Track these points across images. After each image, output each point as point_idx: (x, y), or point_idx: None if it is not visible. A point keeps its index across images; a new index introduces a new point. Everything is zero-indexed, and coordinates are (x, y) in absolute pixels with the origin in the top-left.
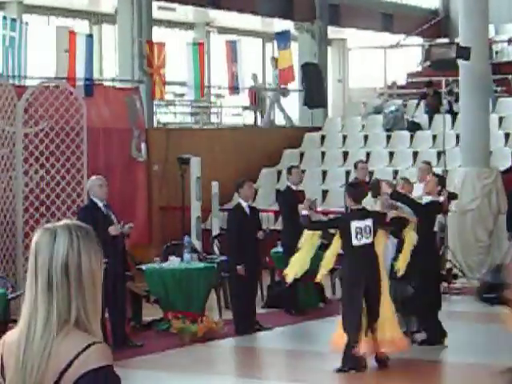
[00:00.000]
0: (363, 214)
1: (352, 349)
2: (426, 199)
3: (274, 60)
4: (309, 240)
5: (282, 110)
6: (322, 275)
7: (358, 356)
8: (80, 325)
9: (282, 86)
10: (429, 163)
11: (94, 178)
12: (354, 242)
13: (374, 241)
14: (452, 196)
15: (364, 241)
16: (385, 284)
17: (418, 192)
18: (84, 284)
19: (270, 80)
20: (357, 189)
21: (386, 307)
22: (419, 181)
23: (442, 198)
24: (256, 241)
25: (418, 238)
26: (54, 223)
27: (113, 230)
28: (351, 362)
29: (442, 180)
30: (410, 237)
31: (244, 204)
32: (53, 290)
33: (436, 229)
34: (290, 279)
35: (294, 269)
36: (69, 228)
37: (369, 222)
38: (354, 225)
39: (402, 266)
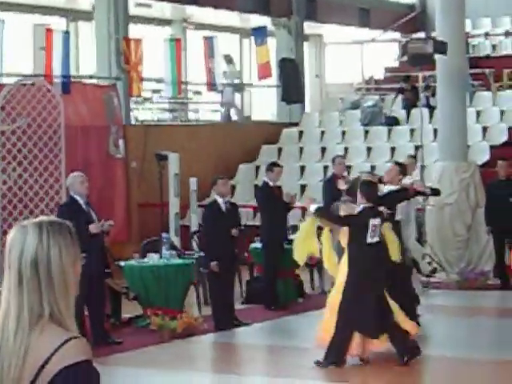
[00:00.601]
0: (375, 212)
1: (341, 347)
2: (387, 189)
3: (226, 57)
4: (306, 228)
5: (223, 105)
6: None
7: (343, 352)
8: (55, 320)
9: (236, 82)
10: (414, 157)
11: (74, 174)
12: (369, 239)
13: None
14: (435, 192)
15: (375, 239)
16: None
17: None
18: (54, 280)
19: (246, 76)
20: (371, 187)
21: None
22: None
23: (407, 181)
24: (232, 237)
25: None
26: (30, 220)
27: (93, 227)
28: (334, 357)
29: (403, 169)
30: (386, 227)
31: (220, 200)
32: (23, 286)
33: (399, 217)
34: (302, 262)
35: (304, 252)
36: (40, 224)
37: (379, 220)
38: (371, 222)
39: (397, 254)
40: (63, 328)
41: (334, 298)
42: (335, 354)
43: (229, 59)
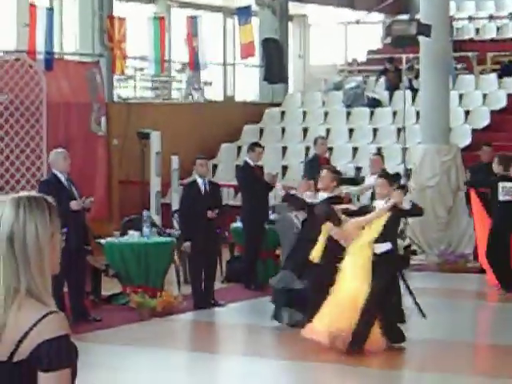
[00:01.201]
0: None
1: (365, 333)
2: (321, 196)
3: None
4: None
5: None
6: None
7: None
8: (33, 295)
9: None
10: (381, 155)
11: (57, 150)
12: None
13: None
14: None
15: None
16: None
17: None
18: (30, 255)
19: (229, 56)
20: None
21: None
22: (371, 173)
23: (372, 180)
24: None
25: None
26: (9, 196)
27: (75, 204)
28: (358, 343)
29: (337, 174)
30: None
31: (199, 180)
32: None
33: None
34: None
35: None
36: (17, 200)
37: None
38: None
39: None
40: (41, 303)
41: (343, 297)
42: (360, 340)
43: None
